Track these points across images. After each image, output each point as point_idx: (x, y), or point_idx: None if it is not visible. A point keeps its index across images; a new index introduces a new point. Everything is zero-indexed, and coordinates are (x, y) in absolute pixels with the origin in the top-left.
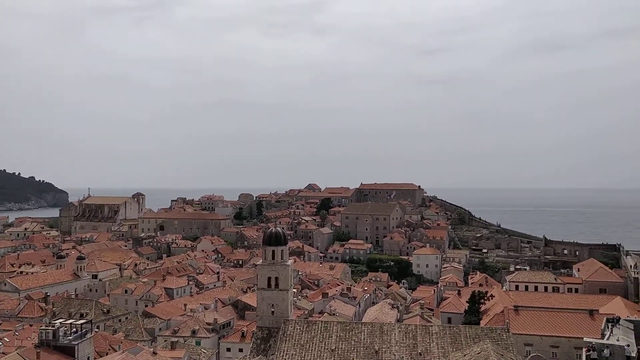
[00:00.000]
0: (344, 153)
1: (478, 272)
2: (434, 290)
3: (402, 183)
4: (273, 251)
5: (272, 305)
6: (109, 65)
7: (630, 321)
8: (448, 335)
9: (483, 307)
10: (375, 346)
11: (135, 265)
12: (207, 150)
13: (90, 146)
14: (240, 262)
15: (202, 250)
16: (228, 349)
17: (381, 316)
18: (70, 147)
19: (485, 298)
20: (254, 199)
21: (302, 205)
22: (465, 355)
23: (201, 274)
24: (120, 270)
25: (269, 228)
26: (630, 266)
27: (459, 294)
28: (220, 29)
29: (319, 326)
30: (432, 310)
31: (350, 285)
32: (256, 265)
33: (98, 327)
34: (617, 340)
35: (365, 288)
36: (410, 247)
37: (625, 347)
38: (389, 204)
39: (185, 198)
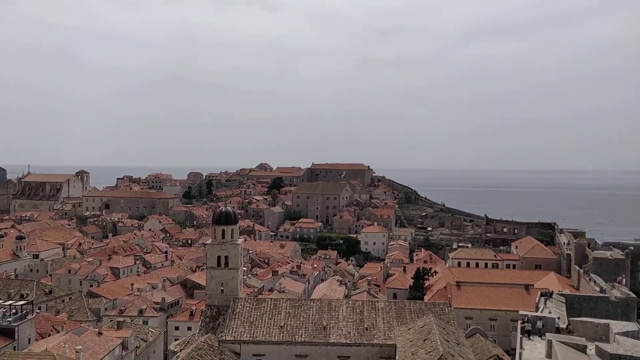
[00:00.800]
0: (296, 134)
1: (423, 250)
2: (381, 267)
3: (352, 163)
4: (223, 230)
5: (222, 283)
6: (46, 37)
7: (562, 295)
8: (393, 310)
9: (427, 283)
10: (324, 322)
11: (80, 244)
12: (155, 129)
13: (31, 122)
14: (189, 242)
15: (150, 230)
16: (176, 328)
17: (330, 292)
18: (6, 121)
19: (429, 274)
20: (204, 178)
21: (253, 184)
22: (409, 329)
23: (149, 253)
24: (63, 249)
25: (218, 207)
26: (564, 243)
27: (404, 270)
28: (169, 2)
29: (268, 303)
30: (378, 286)
31: (300, 263)
32: (205, 245)
33: (40, 308)
34: (550, 312)
35: (315, 266)
36: (359, 226)
37: (556, 320)
38: (339, 184)
39: (131, 176)
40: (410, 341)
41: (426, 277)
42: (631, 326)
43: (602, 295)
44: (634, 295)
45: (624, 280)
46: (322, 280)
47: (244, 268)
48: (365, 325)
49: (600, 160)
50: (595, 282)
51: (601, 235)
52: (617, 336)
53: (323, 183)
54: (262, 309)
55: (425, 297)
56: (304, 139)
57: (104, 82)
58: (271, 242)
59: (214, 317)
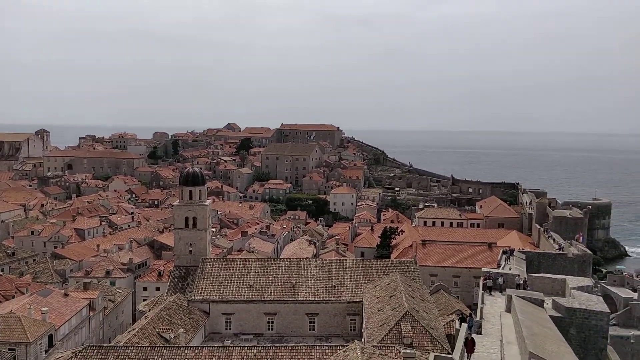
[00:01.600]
0: (262, 88)
1: (390, 210)
2: (349, 226)
3: (321, 124)
4: (190, 191)
5: (190, 244)
6: None
7: (523, 252)
8: (361, 269)
9: (394, 242)
10: (292, 280)
11: (42, 205)
12: (113, 84)
13: None
14: (156, 203)
15: (115, 190)
16: (144, 289)
17: (299, 252)
18: None
19: (396, 233)
20: (169, 138)
21: (221, 145)
22: (376, 286)
23: (114, 214)
24: (25, 211)
25: (185, 168)
26: (526, 203)
27: (372, 230)
28: None
29: (237, 263)
30: (346, 245)
31: (270, 223)
32: (173, 206)
33: (2, 270)
34: (510, 269)
35: (284, 226)
36: (328, 187)
37: (517, 276)
38: (309, 145)
39: (94, 136)
40: (377, 298)
41: (393, 236)
42: (586, 281)
43: (560, 252)
44: (590, 252)
45: (581, 237)
46: (292, 241)
47: (213, 229)
48: (333, 283)
49: (575, 123)
50: (554, 240)
51: (562, 195)
52: (572, 291)
53: (292, 144)
54: (231, 268)
55: (391, 255)
56: (272, 93)
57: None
58: (240, 203)
59: (183, 277)
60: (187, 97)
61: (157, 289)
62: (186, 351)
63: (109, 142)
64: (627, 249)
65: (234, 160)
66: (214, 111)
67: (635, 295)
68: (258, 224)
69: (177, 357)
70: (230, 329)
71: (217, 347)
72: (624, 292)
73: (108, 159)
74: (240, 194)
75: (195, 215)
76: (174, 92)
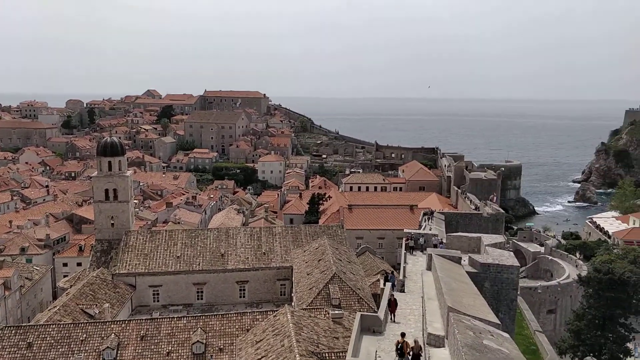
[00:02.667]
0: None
1: (318, 176)
2: (278, 194)
3: (247, 91)
4: (109, 162)
5: (112, 217)
6: None
7: (442, 213)
8: (290, 235)
9: (322, 207)
10: (221, 250)
11: None
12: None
13: None
14: (73, 175)
15: (27, 163)
16: (65, 264)
17: (227, 221)
18: None
19: (324, 199)
20: (84, 106)
21: (141, 113)
22: (305, 251)
23: (27, 188)
24: None
25: (103, 138)
26: (445, 166)
27: (300, 196)
28: None
29: (163, 235)
30: (276, 213)
31: (196, 193)
32: (91, 178)
33: None
34: (431, 229)
35: (211, 196)
36: (256, 155)
37: (433, 237)
38: (235, 112)
39: (0, 104)
40: (306, 262)
41: (321, 202)
42: (499, 238)
43: (476, 212)
44: (502, 211)
45: (495, 198)
46: (219, 210)
47: (135, 201)
48: (263, 251)
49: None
50: (471, 200)
51: (478, 159)
52: (487, 247)
53: (217, 111)
54: (156, 240)
55: (320, 220)
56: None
57: None
58: (164, 173)
59: (105, 251)
60: (100, 60)
61: (79, 264)
62: (112, 325)
63: (18, 111)
64: (535, 207)
65: (155, 129)
66: (131, 77)
67: (542, 249)
68: (183, 194)
69: (103, 332)
70: (158, 301)
71: (144, 319)
72: (533, 247)
73: (17, 129)
74: (164, 164)
75: (116, 187)
76: (84, 53)
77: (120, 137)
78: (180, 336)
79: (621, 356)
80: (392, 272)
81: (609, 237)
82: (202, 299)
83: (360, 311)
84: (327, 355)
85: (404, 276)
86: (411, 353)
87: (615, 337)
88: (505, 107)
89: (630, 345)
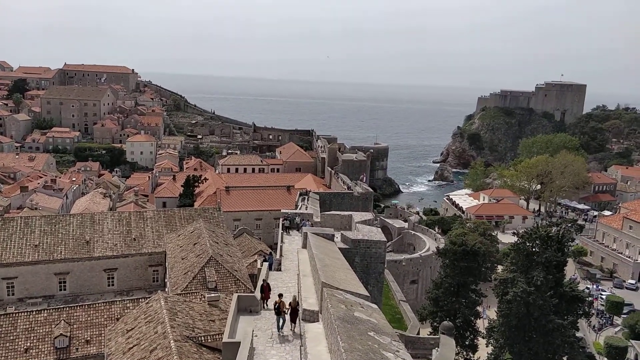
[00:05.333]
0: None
1: (193, 158)
2: (149, 176)
3: (113, 65)
4: None
5: None
6: None
7: (317, 193)
8: (162, 219)
9: (197, 190)
10: (87, 237)
11: None
12: None
13: None
14: None
15: None
16: None
17: (92, 206)
18: None
19: (200, 181)
20: None
21: None
22: (179, 235)
23: None
24: None
25: None
26: (320, 148)
27: (174, 179)
28: None
29: (17, 222)
30: (147, 196)
31: (56, 176)
32: None
33: None
34: (306, 209)
35: (74, 179)
36: (124, 135)
37: (311, 215)
38: (99, 88)
39: None
40: (180, 246)
41: (196, 184)
42: (368, 215)
43: (348, 191)
44: (371, 190)
45: (364, 177)
46: (83, 194)
47: None
48: (133, 236)
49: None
50: (343, 181)
51: (350, 141)
52: (357, 224)
53: (79, 87)
54: (10, 228)
55: (195, 203)
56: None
57: None
58: (17, 154)
59: None
60: None
61: None
62: None
63: None
64: (400, 186)
65: (6, 104)
66: None
67: (406, 225)
68: (41, 177)
69: None
70: (13, 294)
71: None
72: (398, 223)
73: None
74: (17, 144)
75: None
76: None
77: None
78: (40, 330)
79: (472, 319)
80: (271, 253)
81: (463, 212)
82: (65, 289)
83: (237, 292)
84: (203, 338)
85: (281, 255)
86: (289, 309)
87: (468, 302)
88: (377, 92)
89: (479, 308)
